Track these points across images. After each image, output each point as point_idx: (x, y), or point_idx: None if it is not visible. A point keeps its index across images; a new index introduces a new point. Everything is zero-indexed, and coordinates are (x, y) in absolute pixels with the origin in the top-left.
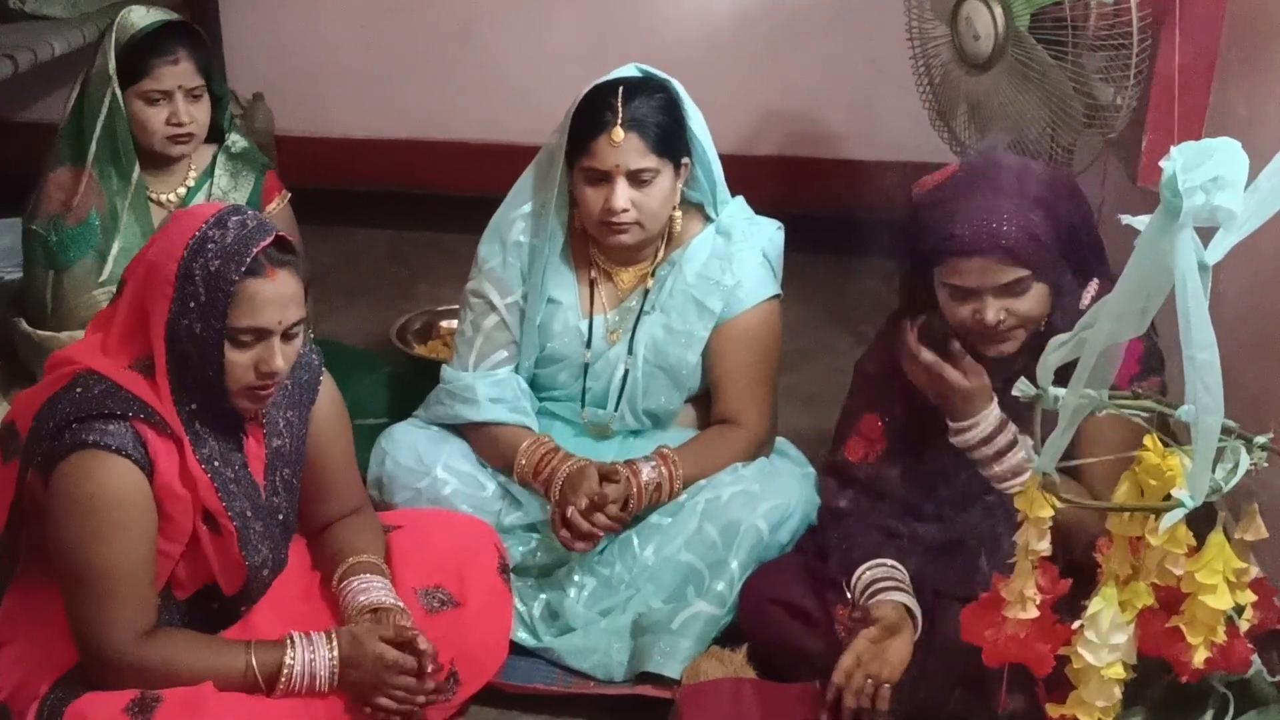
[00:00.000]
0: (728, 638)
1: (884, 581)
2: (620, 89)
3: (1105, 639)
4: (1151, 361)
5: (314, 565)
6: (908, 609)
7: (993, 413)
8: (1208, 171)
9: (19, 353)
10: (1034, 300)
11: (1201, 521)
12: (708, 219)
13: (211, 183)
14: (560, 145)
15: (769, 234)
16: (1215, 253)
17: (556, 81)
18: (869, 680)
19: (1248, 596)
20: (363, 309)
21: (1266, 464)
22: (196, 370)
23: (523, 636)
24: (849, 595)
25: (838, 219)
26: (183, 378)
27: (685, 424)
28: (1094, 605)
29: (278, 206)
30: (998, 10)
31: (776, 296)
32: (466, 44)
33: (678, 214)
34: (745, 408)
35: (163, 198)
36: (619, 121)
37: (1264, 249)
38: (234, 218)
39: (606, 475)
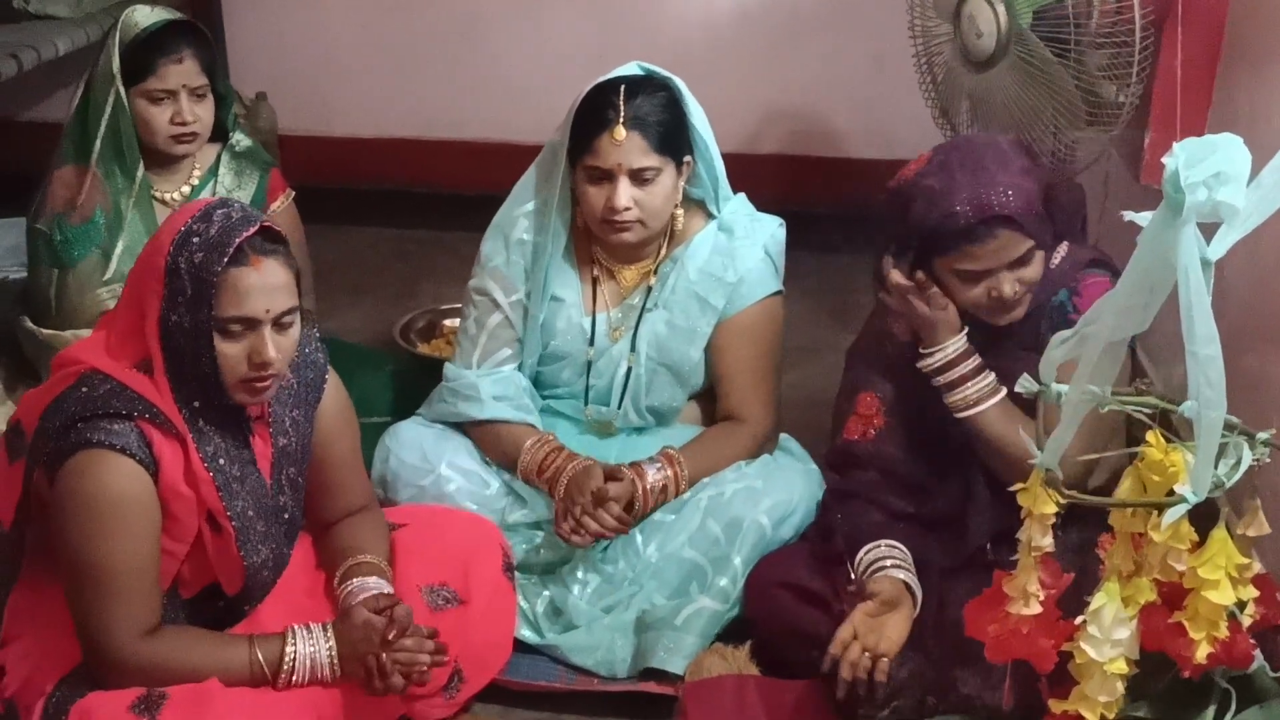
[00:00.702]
0: (731, 634)
1: (885, 559)
2: (622, 87)
3: (1108, 634)
4: None
5: (319, 563)
6: (907, 586)
7: (956, 342)
8: (1210, 167)
9: (24, 351)
10: (1037, 265)
11: (1204, 517)
12: (710, 216)
13: (215, 181)
14: (563, 143)
15: (771, 230)
16: (1218, 248)
17: (560, 80)
18: (865, 653)
19: (1250, 592)
20: (366, 307)
21: (1269, 459)
22: (191, 366)
23: (526, 634)
24: (852, 575)
25: (839, 217)
26: (180, 375)
27: (688, 420)
28: (1097, 601)
29: (282, 205)
30: (1000, 8)
31: (779, 293)
32: (470, 43)
33: (680, 211)
34: (749, 404)
35: (167, 196)
36: (621, 120)
37: (1266, 244)
38: (219, 210)
39: (611, 475)
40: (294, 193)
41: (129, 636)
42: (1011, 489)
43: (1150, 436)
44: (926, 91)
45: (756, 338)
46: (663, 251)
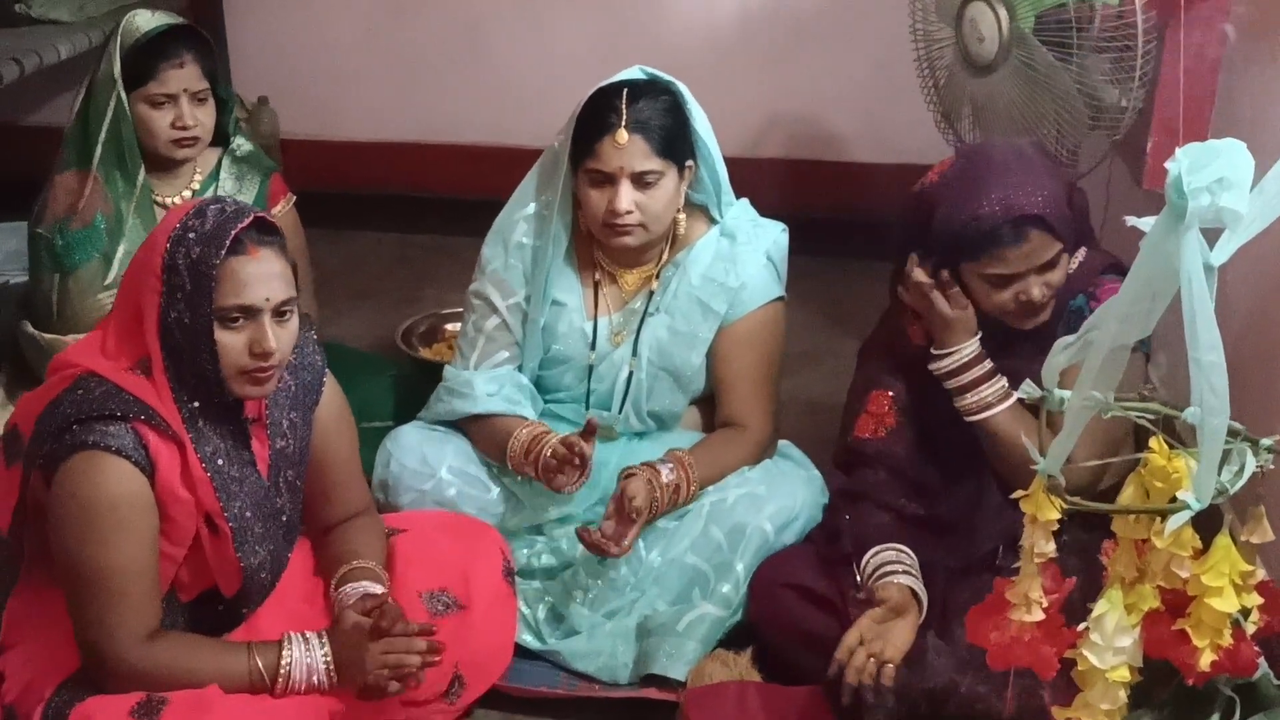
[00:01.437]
0: (733, 640)
1: (892, 565)
2: (625, 91)
3: (1111, 642)
4: None
5: (316, 568)
6: (913, 592)
7: (970, 345)
8: (1213, 173)
9: (25, 356)
10: (1064, 268)
11: (1207, 524)
12: (712, 221)
13: (216, 186)
14: (565, 147)
15: (773, 236)
16: (1221, 254)
17: (562, 85)
18: (870, 659)
19: (1254, 599)
20: (368, 312)
21: (1273, 466)
22: (191, 362)
23: (527, 639)
24: (858, 577)
25: (842, 222)
26: (180, 374)
27: (689, 426)
28: (1099, 608)
29: (283, 210)
30: (1002, 12)
31: (781, 299)
32: (472, 47)
33: (682, 216)
34: (750, 410)
35: (168, 201)
36: (623, 123)
37: (1270, 250)
38: (212, 206)
39: (568, 442)
40: (295, 197)
41: (128, 640)
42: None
43: (1153, 443)
44: (928, 96)
45: (758, 344)
46: (665, 256)
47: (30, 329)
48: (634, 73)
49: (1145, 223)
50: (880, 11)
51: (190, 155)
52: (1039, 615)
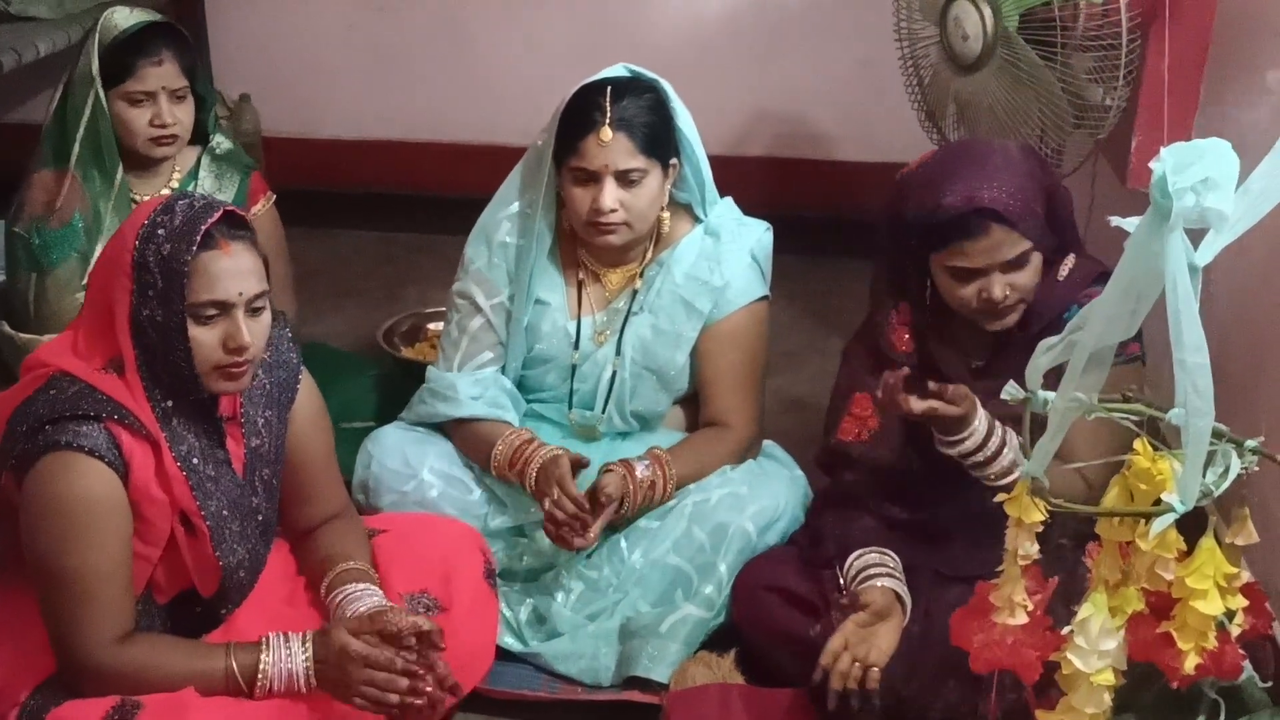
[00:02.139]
0: (716, 642)
1: (876, 568)
2: (609, 89)
3: (1095, 645)
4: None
5: (299, 570)
6: (897, 595)
7: (981, 421)
8: (1198, 173)
9: (1, 355)
10: (1032, 271)
11: (1192, 526)
12: (696, 220)
13: (196, 184)
14: (548, 145)
15: (757, 235)
16: (1205, 254)
17: (545, 82)
18: (855, 664)
19: (1239, 602)
20: (350, 311)
21: (1257, 468)
22: (165, 360)
23: (509, 641)
24: (841, 580)
25: (827, 220)
26: (153, 372)
27: (673, 426)
28: (1084, 611)
29: (263, 208)
30: (986, 11)
31: (765, 298)
32: (455, 45)
33: (666, 215)
34: (734, 410)
35: (147, 199)
36: (607, 121)
37: (1254, 250)
38: (181, 202)
39: (577, 461)
40: (275, 195)
41: (102, 643)
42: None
43: (1137, 445)
44: (913, 95)
45: (742, 343)
46: (648, 255)
47: (7, 328)
48: (618, 70)
49: (1130, 223)
50: (865, 10)
51: (169, 153)
52: (1022, 618)
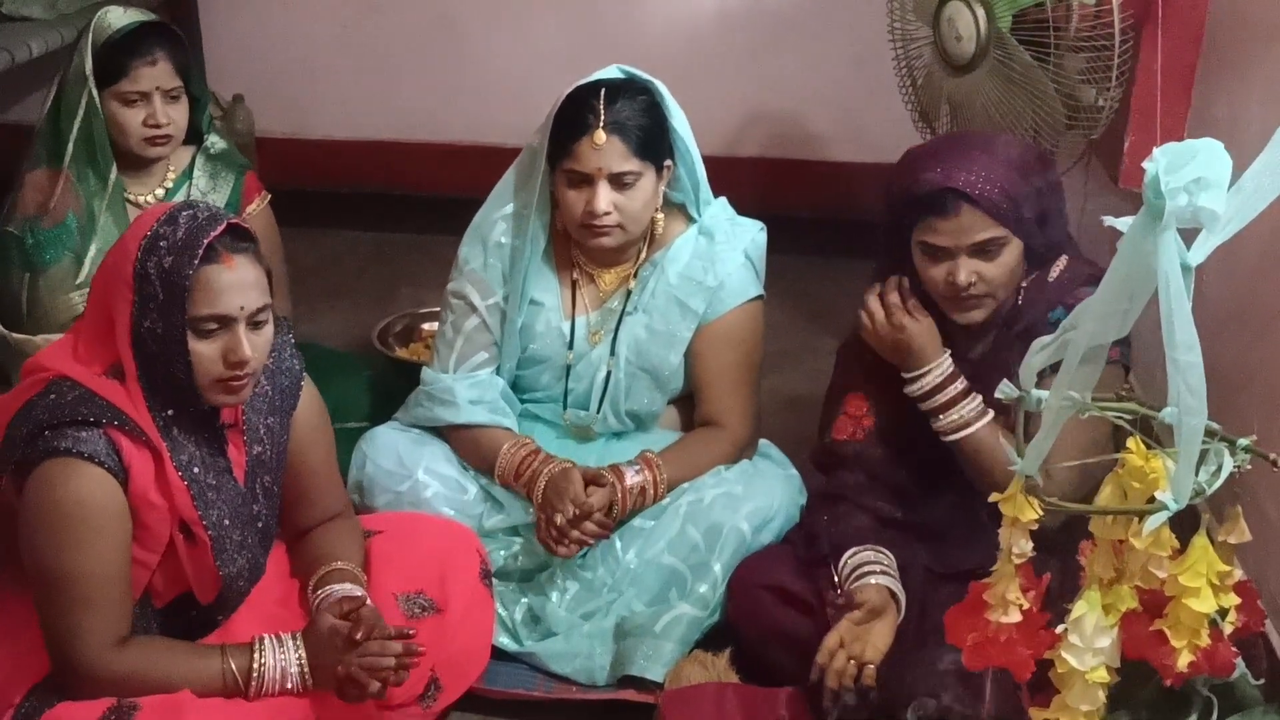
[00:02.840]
0: (711, 641)
1: (870, 565)
2: (602, 91)
3: (1089, 643)
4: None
5: (293, 571)
6: (892, 593)
7: (944, 364)
8: (1190, 172)
9: None
10: (1004, 266)
11: (1185, 524)
12: (690, 220)
13: (190, 184)
14: (542, 147)
15: (751, 235)
16: (1198, 254)
17: (539, 82)
18: (851, 661)
19: (1231, 599)
20: (344, 311)
21: (1250, 466)
22: (165, 371)
23: (504, 641)
24: (836, 578)
25: (821, 220)
26: (154, 382)
27: (668, 426)
28: (1078, 609)
29: (257, 208)
30: (980, 11)
31: (759, 297)
32: (449, 44)
33: (660, 215)
34: (728, 409)
35: (141, 199)
36: (601, 124)
37: (1246, 249)
38: (185, 213)
39: (591, 479)
40: (269, 195)
41: (99, 647)
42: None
43: (1131, 443)
44: (906, 95)
45: (736, 343)
46: (643, 255)
47: (0, 328)
48: (611, 72)
49: (1123, 222)
50: (859, 10)
51: (163, 153)
52: (1016, 616)
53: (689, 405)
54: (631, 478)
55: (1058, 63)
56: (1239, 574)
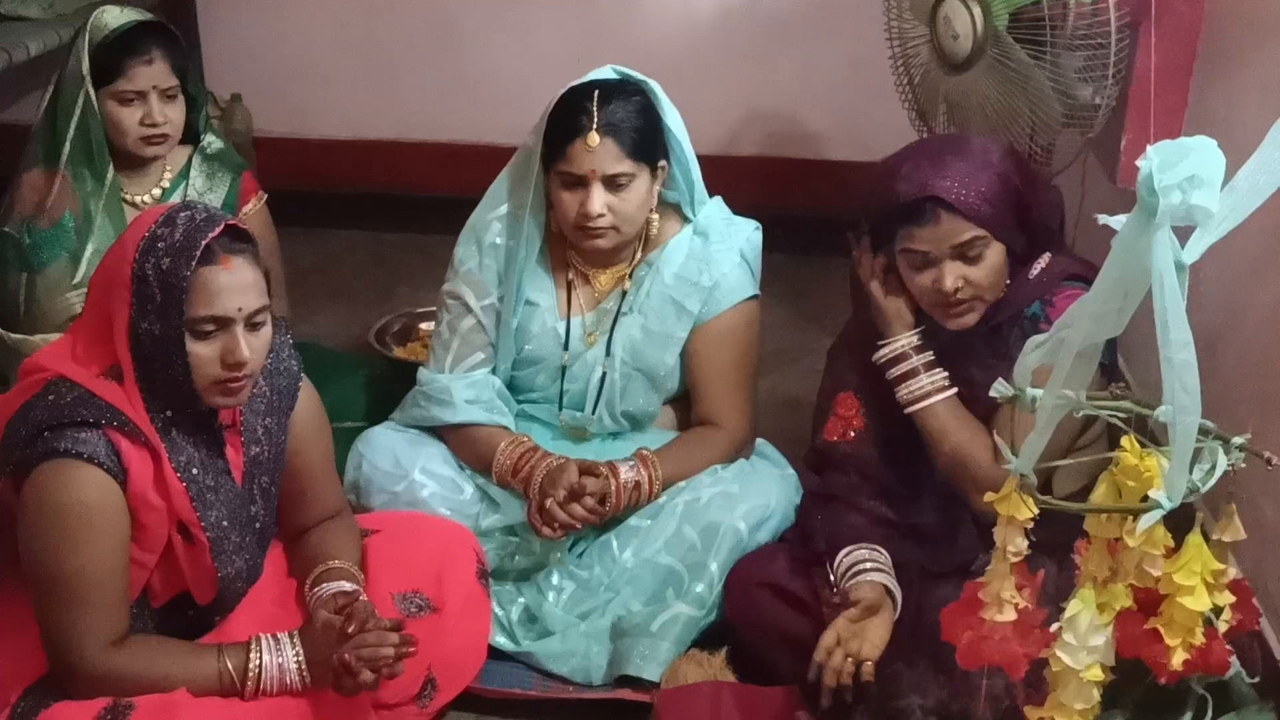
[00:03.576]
0: (707, 640)
1: (865, 563)
2: (596, 92)
3: (1083, 641)
4: None
5: (290, 571)
6: (888, 590)
7: (909, 336)
8: (1184, 170)
9: None
10: (989, 268)
11: (1180, 522)
12: (685, 220)
13: (187, 184)
14: (536, 148)
15: (747, 234)
16: (1192, 252)
17: (536, 82)
18: (848, 659)
19: (1226, 598)
20: (341, 311)
21: (1244, 464)
22: (162, 372)
23: (501, 641)
24: (831, 577)
25: (817, 220)
26: (152, 383)
27: (664, 426)
28: (1072, 607)
29: (254, 208)
30: (976, 10)
31: (755, 297)
32: (447, 44)
33: (655, 216)
34: (724, 409)
35: (138, 199)
36: (594, 126)
37: (1241, 248)
38: (182, 214)
39: (587, 470)
40: (266, 195)
41: (96, 646)
42: (985, 498)
43: (1125, 442)
44: (903, 94)
45: (732, 343)
46: (638, 256)
47: None
48: (605, 72)
49: (1117, 221)
50: (855, 9)
51: (160, 153)
52: (1011, 615)
53: (685, 405)
54: (626, 473)
55: (1054, 61)
56: (1234, 572)
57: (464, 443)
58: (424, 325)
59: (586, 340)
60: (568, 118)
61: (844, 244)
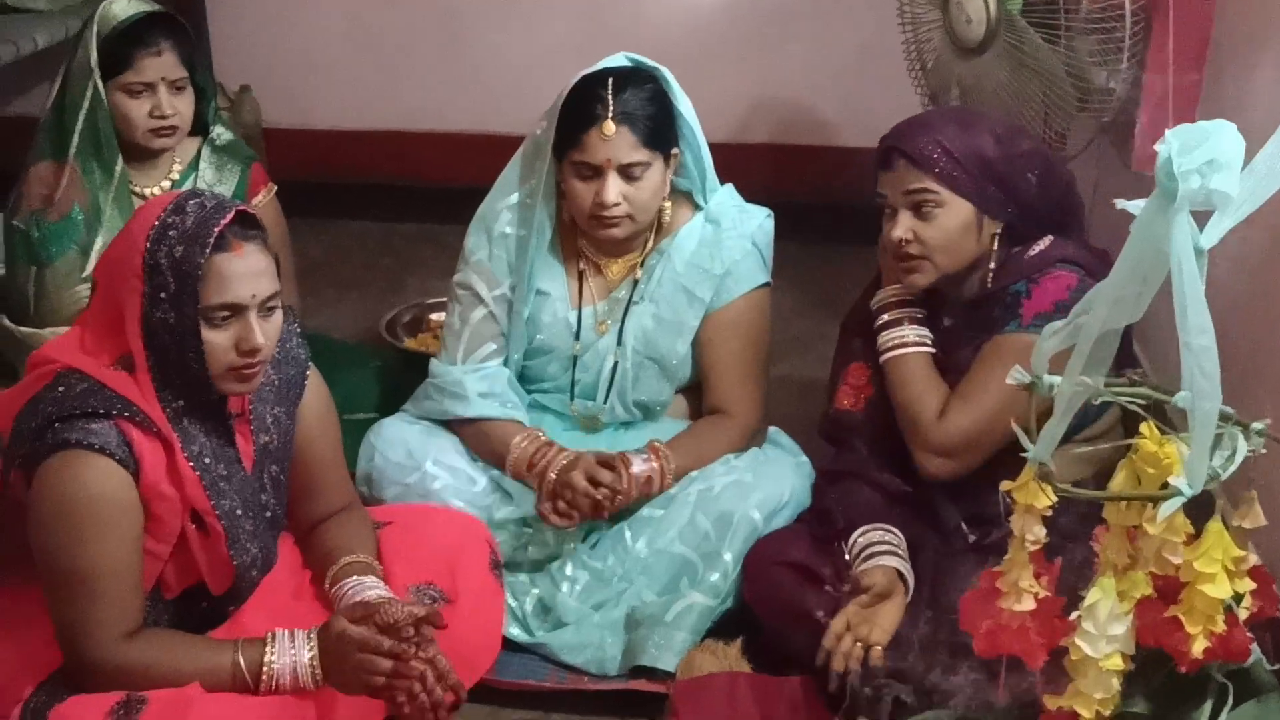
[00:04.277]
0: (722, 630)
1: (879, 545)
2: (610, 80)
3: (1103, 630)
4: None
5: (305, 564)
6: (900, 573)
7: (882, 297)
8: (1203, 154)
9: (1, 349)
10: (941, 229)
11: (1199, 509)
12: (697, 207)
13: (196, 176)
14: (548, 136)
15: (759, 222)
16: (1211, 237)
17: (545, 71)
18: (857, 644)
19: (1246, 585)
20: (352, 302)
21: (1264, 450)
22: (177, 361)
23: (515, 632)
24: (846, 556)
25: (829, 206)
26: (165, 373)
27: (676, 415)
28: (1091, 596)
29: (264, 199)
30: None
31: (766, 285)
32: (456, 34)
33: (667, 204)
34: (736, 397)
35: (146, 191)
36: (610, 115)
37: (1259, 232)
38: (192, 201)
39: (604, 462)
40: (275, 187)
41: (109, 639)
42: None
43: (1144, 428)
44: (916, 79)
45: (744, 330)
46: (649, 244)
47: (6, 322)
48: (618, 60)
49: (1135, 205)
50: None
51: (169, 145)
52: (1030, 604)
53: (698, 394)
54: (638, 465)
55: (1069, 45)
56: (1254, 559)
57: (478, 436)
58: (435, 316)
59: (598, 329)
60: (582, 106)
61: (857, 231)
